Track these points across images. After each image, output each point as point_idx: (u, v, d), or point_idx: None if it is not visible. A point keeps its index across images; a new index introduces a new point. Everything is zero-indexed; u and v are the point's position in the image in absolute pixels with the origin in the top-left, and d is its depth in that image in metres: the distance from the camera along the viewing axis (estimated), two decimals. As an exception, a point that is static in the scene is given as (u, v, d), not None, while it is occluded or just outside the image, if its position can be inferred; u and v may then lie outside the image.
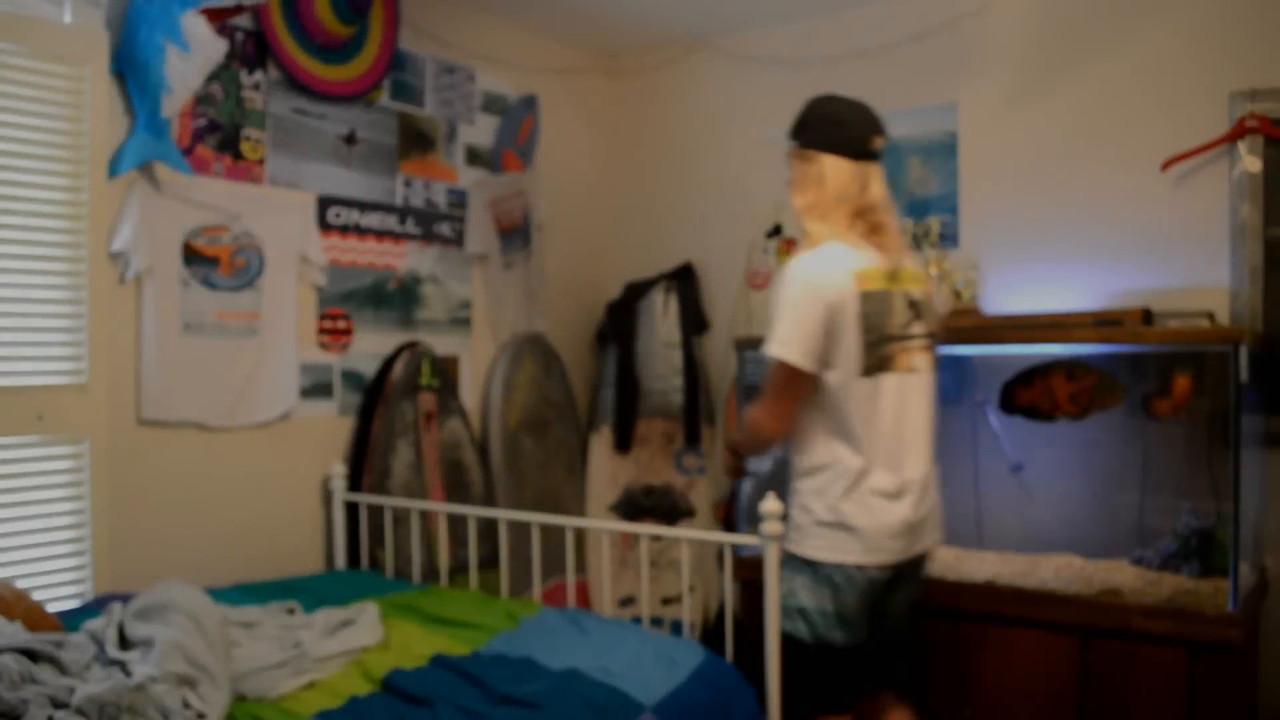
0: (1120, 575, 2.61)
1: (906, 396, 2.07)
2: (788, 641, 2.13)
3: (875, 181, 2.11)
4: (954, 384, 3.19)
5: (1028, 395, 2.75)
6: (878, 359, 2.03)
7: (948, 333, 2.40)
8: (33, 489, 2.37)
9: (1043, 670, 2.50)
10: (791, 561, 2.12)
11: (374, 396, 3.10)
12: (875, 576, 2.03)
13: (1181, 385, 2.65)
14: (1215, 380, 2.68)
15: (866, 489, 2.02)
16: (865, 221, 2.08)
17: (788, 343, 1.99)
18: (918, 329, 2.10)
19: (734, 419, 3.24)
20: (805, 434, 2.08)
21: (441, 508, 2.87)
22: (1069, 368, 2.69)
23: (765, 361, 2.04)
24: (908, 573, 2.12)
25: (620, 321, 3.70)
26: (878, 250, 2.07)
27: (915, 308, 2.10)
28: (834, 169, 2.09)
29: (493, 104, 3.62)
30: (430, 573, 3.04)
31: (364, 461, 3.04)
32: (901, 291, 2.08)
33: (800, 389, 2.03)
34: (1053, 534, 2.98)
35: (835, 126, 2.16)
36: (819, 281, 2.00)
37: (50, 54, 2.36)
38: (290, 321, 2.91)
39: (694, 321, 3.70)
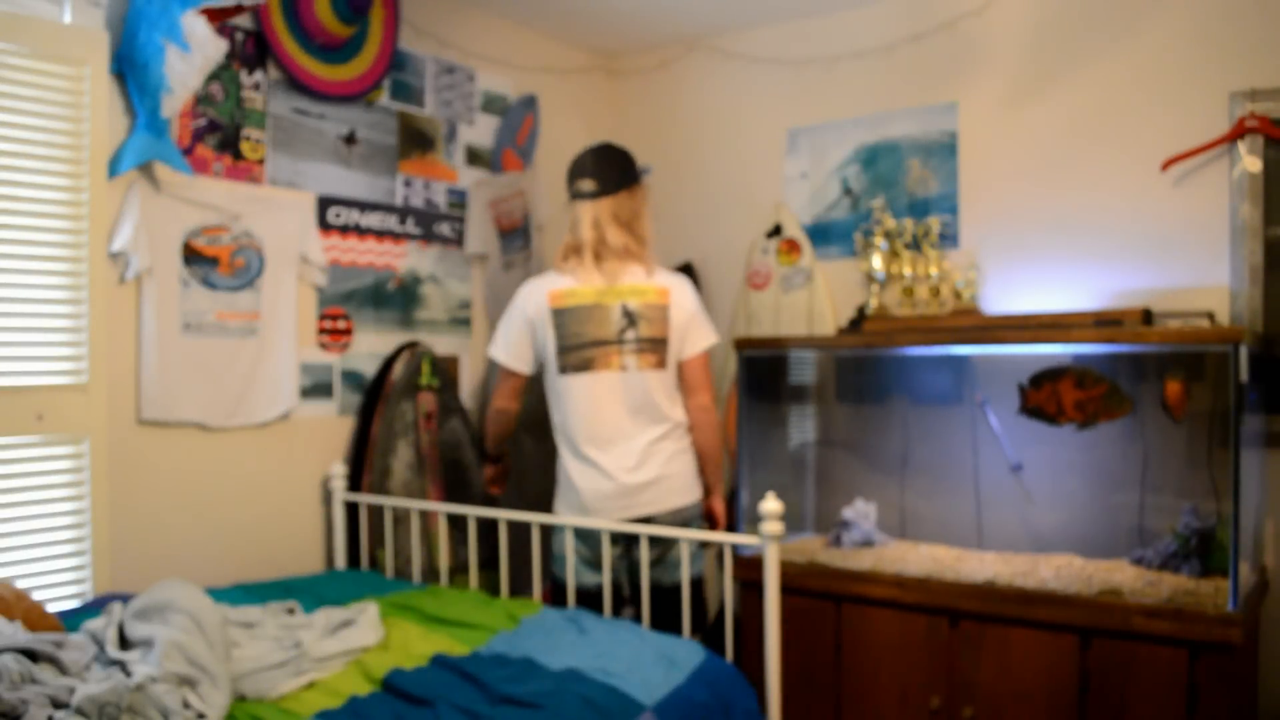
0: (1120, 575, 2.61)
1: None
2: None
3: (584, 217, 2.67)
4: (954, 384, 3.20)
5: (1035, 398, 2.75)
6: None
7: (936, 333, 2.69)
8: (33, 489, 2.37)
9: (1043, 670, 2.50)
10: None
11: (374, 396, 3.10)
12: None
13: (1173, 389, 2.65)
14: (1215, 380, 2.68)
15: None
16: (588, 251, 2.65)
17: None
18: (630, 335, 2.63)
19: (734, 419, 3.25)
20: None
21: (441, 508, 2.87)
22: (1079, 375, 2.69)
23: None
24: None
25: (620, 321, 3.72)
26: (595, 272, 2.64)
27: (630, 316, 2.64)
28: (571, 212, 2.71)
29: (493, 104, 3.62)
30: (430, 573, 3.04)
31: (364, 461, 3.04)
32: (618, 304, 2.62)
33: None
34: (1053, 534, 2.98)
35: (568, 178, 2.74)
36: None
37: (50, 54, 2.36)
38: (290, 321, 2.92)
39: (694, 321, 3.70)
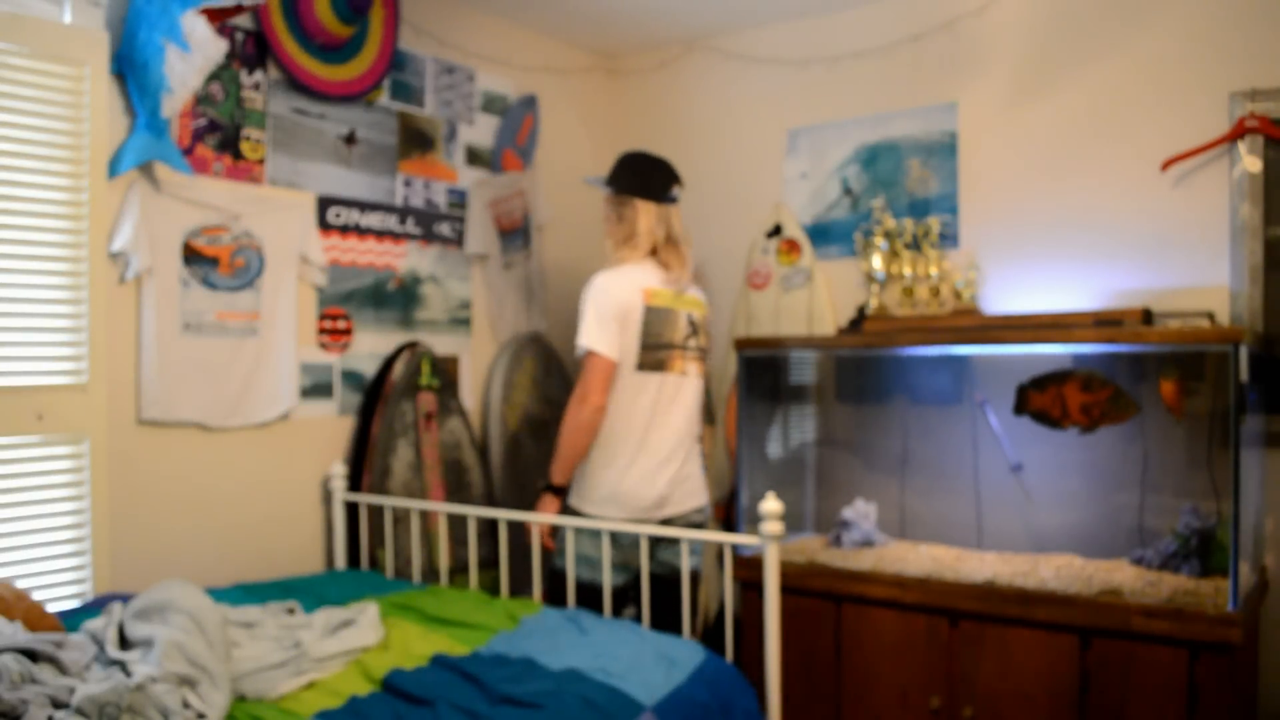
0: (1120, 575, 2.61)
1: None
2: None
3: (675, 220, 2.76)
4: (954, 384, 3.20)
5: (1039, 400, 2.74)
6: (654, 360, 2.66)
7: (936, 333, 2.70)
8: (33, 489, 2.37)
9: (1043, 670, 2.50)
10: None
11: (374, 396, 3.10)
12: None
13: (1168, 388, 2.64)
14: (1215, 380, 2.68)
15: None
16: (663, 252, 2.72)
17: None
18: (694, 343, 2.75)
19: (734, 419, 3.25)
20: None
21: (441, 507, 2.87)
22: (1085, 378, 2.68)
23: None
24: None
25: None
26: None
27: (693, 325, 2.75)
28: (643, 211, 2.73)
29: (493, 104, 3.62)
30: (430, 573, 3.04)
31: (364, 461, 3.04)
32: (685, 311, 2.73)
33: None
34: (1053, 534, 2.98)
35: (642, 177, 2.78)
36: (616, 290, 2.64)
37: (50, 54, 2.36)
38: (290, 321, 2.92)
39: (694, 321, 3.70)
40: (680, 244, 2.75)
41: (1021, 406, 2.79)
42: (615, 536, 2.62)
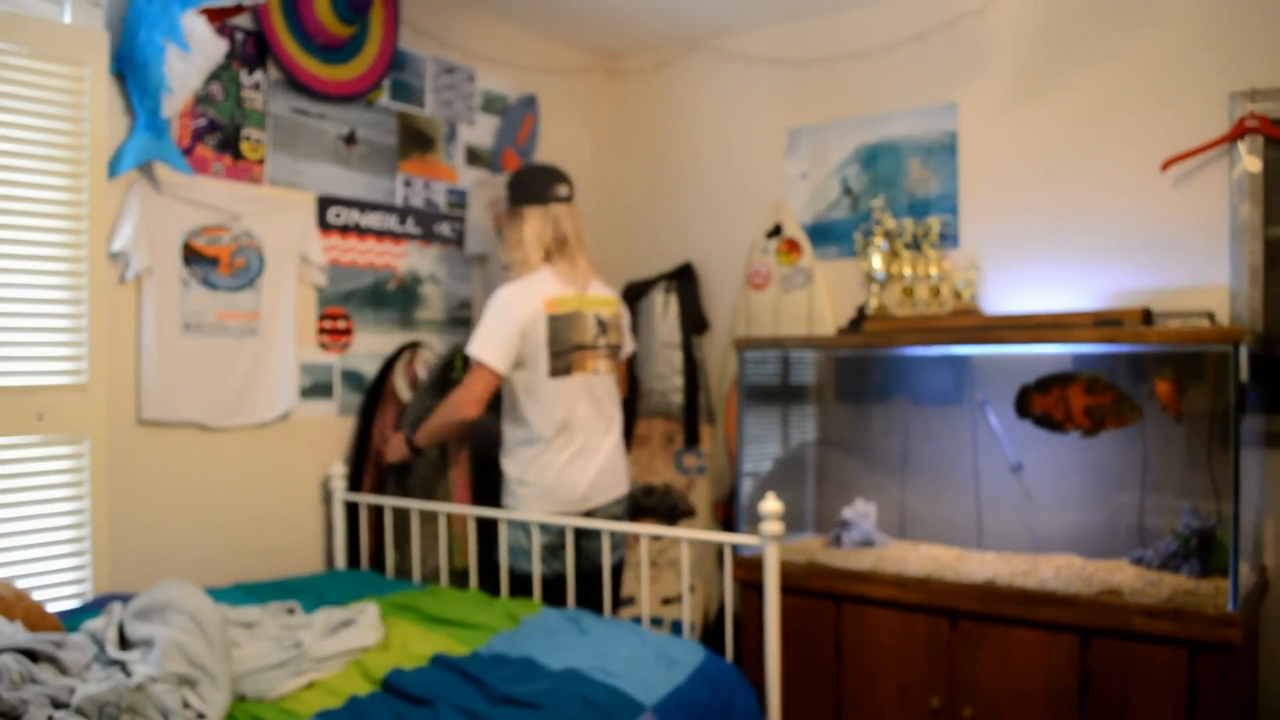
0: (1120, 575, 2.61)
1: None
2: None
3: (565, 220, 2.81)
4: (954, 384, 3.20)
5: (1042, 402, 2.74)
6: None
7: (936, 333, 2.71)
8: (33, 489, 2.37)
9: (1043, 670, 2.50)
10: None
11: (374, 397, 3.10)
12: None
13: (1163, 388, 2.64)
14: (1215, 380, 2.68)
15: None
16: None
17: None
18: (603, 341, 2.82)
19: (733, 419, 3.26)
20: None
21: (441, 508, 2.87)
22: (1090, 381, 2.68)
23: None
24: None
25: (619, 321, 3.72)
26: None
27: (601, 325, 2.81)
28: (529, 217, 2.79)
29: (493, 104, 3.62)
30: (430, 573, 3.04)
31: (364, 462, 3.04)
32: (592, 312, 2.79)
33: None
34: (1053, 534, 2.98)
35: (522, 186, 2.84)
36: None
37: (50, 54, 2.36)
38: (290, 321, 2.92)
39: (694, 322, 3.70)
40: (573, 244, 2.80)
41: (1024, 408, 2.78)
42: (545, 528, 2.71)
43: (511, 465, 2.79)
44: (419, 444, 2.84)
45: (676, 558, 3.52)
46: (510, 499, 2.80)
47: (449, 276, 3.43)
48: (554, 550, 2.74)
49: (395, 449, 2.91)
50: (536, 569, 2.70)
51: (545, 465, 2.73)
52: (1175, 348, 2.59)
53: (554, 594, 2.73)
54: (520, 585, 2.76)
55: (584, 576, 2.78)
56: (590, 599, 2.76)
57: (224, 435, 2.78)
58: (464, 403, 2.69)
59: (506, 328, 2.68)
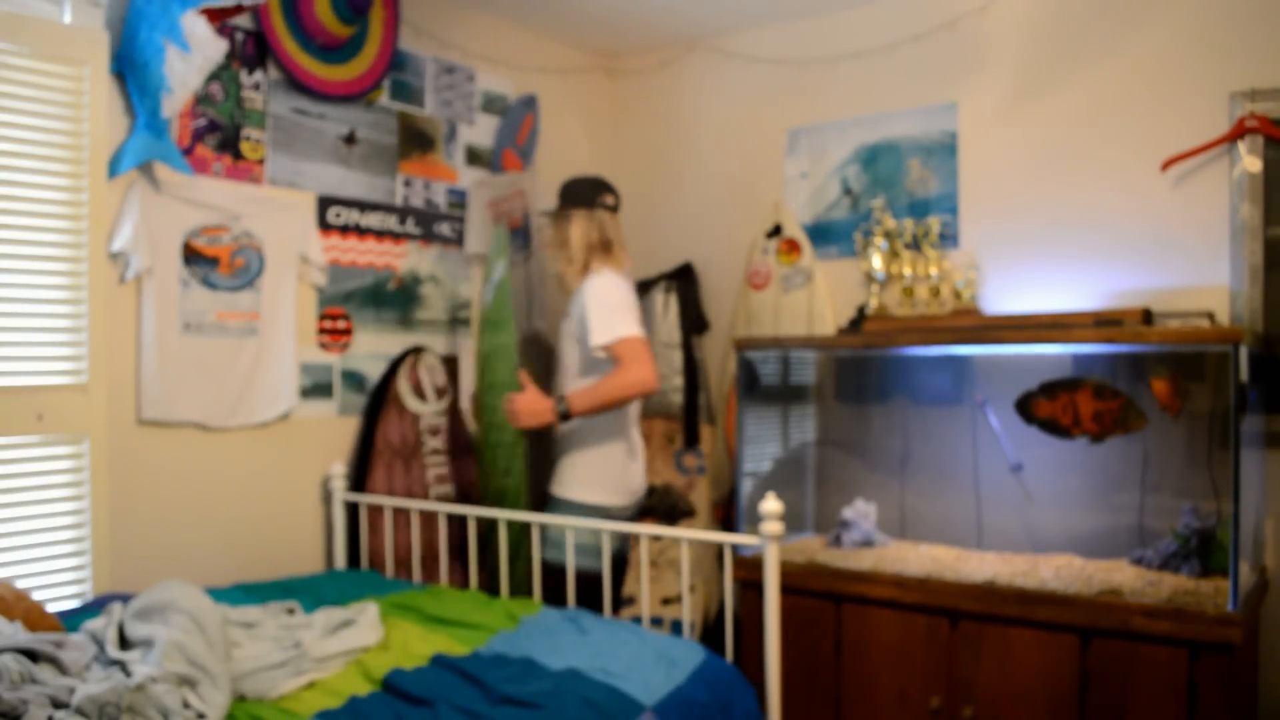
0: (1120, 575, 2.61)
1: None
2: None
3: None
4: (954, 384, 3.20)
5: (1049, 408, 2.73)
6: None
7: (936, 333, 2.74)
8: (33, 489, 2.37)
9: (1043, 670, 2.50)
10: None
11: (379, 399, 3.10)
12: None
13: (1160, 386, 2.64)
14: (1215, 380, 2.68)
15: None
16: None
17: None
18: None
19: (733, 419, 3.26)
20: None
21: (441, 508, 2.87)
22: (1097, 386, 2.67)
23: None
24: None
25: (620, 321, 3.72)
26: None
27: None
28: (575, 219, 2.89)
29: (493, 104, 3.62)
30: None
31: (368, 463, 3.03)
32: None
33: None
34: (1053, 534, 2.98)
35: (571, 194, 2.94)
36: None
37: (50, 54, 2.36)
38: (290, 321, 2.92)
39: (694, 322, 3.70)
40: (618, 249, 2.90)
41: (1030, 414, 2.76)
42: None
43: (585, 455, 2.83)
44: (578, 414, 2.73)
45: (676, 558, 3.52)
46: (583, 492, 2.79)
47: (449, 276, 3.43)
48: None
49: (535, 414, 2.77)
50: (607, 568, 2.67)
51: (629, 457, 2.86)
52: (1175, 348, 2.59)
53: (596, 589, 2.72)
54: (587, 585, 2.71)
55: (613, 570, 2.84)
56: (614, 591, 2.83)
57: (224, 435, 2.78)
58: (649, 378, 2.67)
59: (628, 298, 2.77)
